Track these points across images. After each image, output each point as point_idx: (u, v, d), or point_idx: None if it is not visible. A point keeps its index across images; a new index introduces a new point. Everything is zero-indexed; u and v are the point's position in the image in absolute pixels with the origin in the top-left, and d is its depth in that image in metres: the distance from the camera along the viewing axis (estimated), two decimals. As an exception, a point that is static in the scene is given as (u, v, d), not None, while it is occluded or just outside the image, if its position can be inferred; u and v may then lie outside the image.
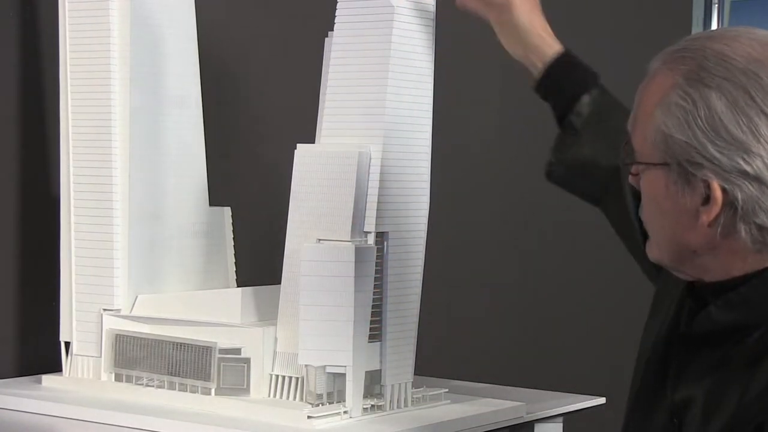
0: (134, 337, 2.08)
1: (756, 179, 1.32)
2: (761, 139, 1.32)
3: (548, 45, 1.85)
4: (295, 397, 1.96)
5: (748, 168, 1.32)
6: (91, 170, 2.14)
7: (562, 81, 1.81)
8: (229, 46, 2.59)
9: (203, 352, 2.00)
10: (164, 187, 2.18)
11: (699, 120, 1.33)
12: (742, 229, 1.35)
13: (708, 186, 1.34)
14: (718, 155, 1.33)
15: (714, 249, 1.38)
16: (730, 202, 1.34)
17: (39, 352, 2.26)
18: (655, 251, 1.44)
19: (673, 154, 1.36)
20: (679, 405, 1.41)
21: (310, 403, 1.91)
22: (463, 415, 2.00)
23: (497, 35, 1.88)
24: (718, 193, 1.34)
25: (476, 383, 2.25)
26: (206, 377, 1.99)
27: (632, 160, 1.41)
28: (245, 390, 1.98)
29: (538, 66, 1.85)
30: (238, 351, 1.99)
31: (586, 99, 1.80)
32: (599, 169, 1.78)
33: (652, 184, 1.39)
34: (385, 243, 1.97)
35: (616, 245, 1.75)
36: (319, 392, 1.91)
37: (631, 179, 1.44)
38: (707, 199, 1.35)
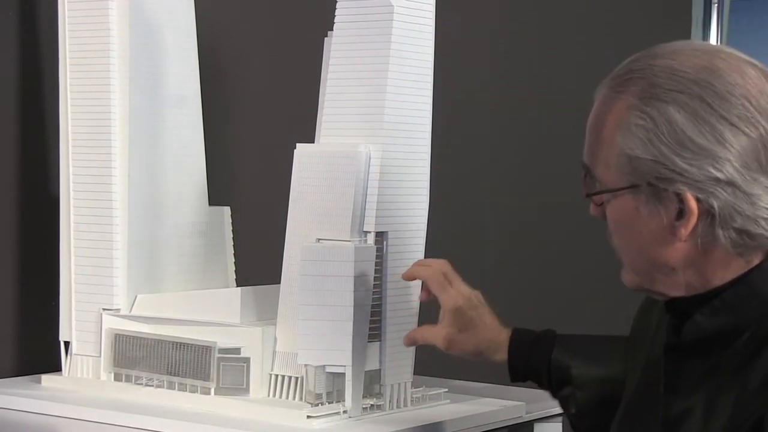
0: (134, 336, 2.08)
1: (729, 184, 1.32)
2: (726, 144, 1.32)
3: (498, 337, 1.79)
4: (294, 397, 1.96)
5: (719, 174, 1.32)
6: (91, 170, 2.14)
7: (530, 368, 1.78)
8: (229, 46, 2.59)
9: (203, 351, 2.00)
10: (164, 187, 2.18)
11: (662, 136, 1.33)
12: (722, 236, 1.34)
13: (681, 199, 1.34)
14: (687, 167, 1.33)
15: (694, 262, 1.37)
16: (706, 211, 1.33)
17: (38, 351, 2.26)
18: (632, 277, 1.43)
19: (641, 175, 1.35)
20: (673, 418, 1.41)
21: (310, 403, 1.91)
22: (462, 414, 2.00)
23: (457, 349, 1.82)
24: (693, 204, 1.33)
25: (476, 383, 2.25)
26: (206, 377, 1.99)
27: (596, 191, 1.41)
28: (245, 390, 1.98)
29: (500, 362, 1.79)
30: (237, 351, 2.00)
31: (556, 360, 1.76)
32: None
33: (620, 210, 1.39)
34: (385, 243, 1.97)
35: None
36: (318, 392, 1.91)
37: (593, 210, 1.43)
38: (681, 213, 1.34)
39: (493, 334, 1.78)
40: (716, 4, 2.76)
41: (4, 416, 2.01)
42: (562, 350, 1.76)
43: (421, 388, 2.05)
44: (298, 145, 2.01)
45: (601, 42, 2.79)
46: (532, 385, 2.09)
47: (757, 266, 1.37)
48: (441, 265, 1.83)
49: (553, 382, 1.76)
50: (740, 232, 1.34)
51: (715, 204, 1.33)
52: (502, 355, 1.78)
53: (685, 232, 1.35)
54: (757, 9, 2.80)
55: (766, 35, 2.74)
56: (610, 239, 1.43)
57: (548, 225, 2.96)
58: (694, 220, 1.34)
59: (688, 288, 1.39)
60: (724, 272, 1.37)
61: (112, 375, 2.10)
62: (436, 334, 1.79)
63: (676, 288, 1.40)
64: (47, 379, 2.16)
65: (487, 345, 1.78)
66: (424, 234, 2.04)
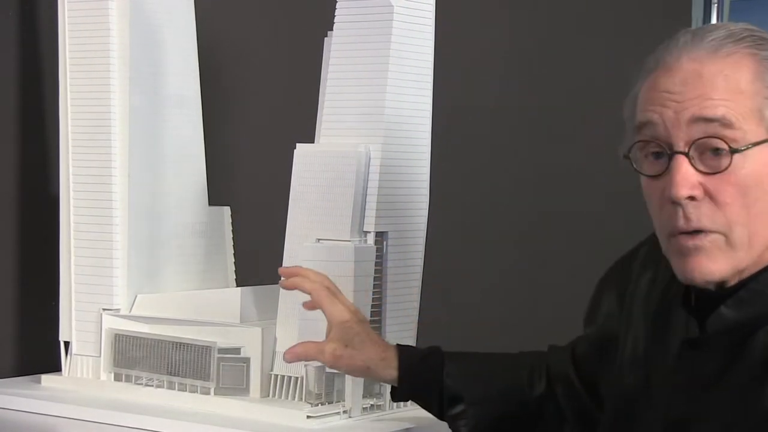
0: (134, 336, 2.08)
1: None
2: None
3: (386, 353, 1.76)
4: (294, 397, 1.96)
5: None
6: (91, 170, 2.14)
7: (420, 384, 1.75)
8: (229, 46, 2.59)
9: (202, 351, 2.00)
10: (164, 186, 2.18)
11: None
12: None
13: None
14: None
15: None
16: None
17: (38, 351, 2.26)
18: (733, 259, 1.36)
19: None
20: (679, 420, 1.39)
21: (310, 403, 1.91)
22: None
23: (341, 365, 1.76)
24: None
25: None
26: (206, 377, 1.99)
27: (742, 147, 1.34)
28: (245, 390, 1.98)
29: (388, 378, 1.76)
30: (237, 351, 2.00)
31: (449, 382, 1.74)
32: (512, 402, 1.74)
33: (758, 166, 1.34)
34: (385, 243, 1.97)
35: (619, 243, 1.74)
36: (318, 392, 1.91)
37: (695, 188, 1.34)
38: None
39: (381, 350, 1.75)
40: (716, 4, 2.75)
41: (4, 416, 2.01)
42: (454, 367, 1.74)
43: (421, 388, 2.05)
44: (298, 145, 2.01)
45: (601, 42, 2.79)
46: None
47: None
48: (322, 278, 1.78)
49: (444, 400, 1.73)
50: None
51: None
52: (390, 372, 1.74)
53: None
54: (757, 9, 2.80)
55: (766, 35, 2.74)
56: (712, 219, 1.34)
57: (549, 225, 2.96)
58: None
59: (758, 264, 1.36)
60: None
61: (112, 375, 2.10)
62: (322, 349, 1.74)
63: (755, 265, 1.37)
64: (47, 379, 2.16)
65: (375, 361, 1.74)
66: (424, 234, 2.04)
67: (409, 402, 2.00)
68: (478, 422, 1.72)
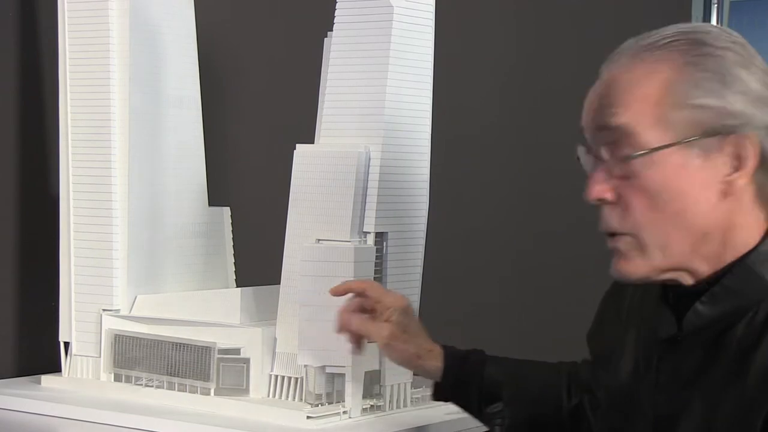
0: (133, 337, 2.08)
1: None
2: None
3: (434, 346, 1.78)
4: (294, 398, 1.96)
5: None
6: (91, 170, 2.14)
7: (462, 379, 1.76)
8: (229, 47, 2.59)
9: (202, 352, 2.00)
10: (163, 187, 2.18)
11: (725, 85, 1.34)
12: None
13: (740, 147, 1.33)
14: (749, 113, 1.33)
15: (730, 223, 1.36)
16: (764, 158, 1.34)
17: (38, 352, 2.26)
18: (649, 262, 1.38)
19: (700, 126, 1.34)
20: (667, 416, 1.40)
21: (310, 404, 1.92)
22: (462, 415, 1.99)
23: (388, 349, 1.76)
24: (755, 151, 1.33)
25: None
26: (206, 377, 1.99)
27: (638, 153, 1.35)
28: (244, 390, 1.98)
29: (432, 370, 1.77)
30: (237, 351, 2.00)
31: (489, 379, 1.75)
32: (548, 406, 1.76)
33: (664, 171, 1.35)
34: (385, 243, 1.97)
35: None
36: (318, 392, 1.91)
37: (601, 192, 1.38)
38: (738, 163, 1.34)
39: (430, 343, 1.77)
40: (716, 4, 2.76)
41: (4, 416, 2.01)
42: (495, 366, 1.76)
43: (420, 389, 2.05)
44: (298, 145, 2.01)
45: (601, 41, 2.79)
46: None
47: (754, 248, 1.37)
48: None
49: (483, 397, 1.74)
50: None
51: None
52: (436, 363, 1.75)
53: (740, 182, 1.34)
54: (757, 9, 2.80)
55: (766, 34, 2.74)
56: (621, 222, 1.38)
57: (549, 224, 2.96)
58: (752, 167, 1.33)
59: (709, 261, 1.37)
60: (755, 232, 1.37)
61: (112, 375, 2.10)
62: (380, 329, 1.73)
63: (701, 263, 1.37)
64: (47, 380, 2.16)
65: (425, 351, 1.75)
66: (424, 234, 2.04)
67: (408, 404, 2.01)
68: (513, 422, 1.73)
